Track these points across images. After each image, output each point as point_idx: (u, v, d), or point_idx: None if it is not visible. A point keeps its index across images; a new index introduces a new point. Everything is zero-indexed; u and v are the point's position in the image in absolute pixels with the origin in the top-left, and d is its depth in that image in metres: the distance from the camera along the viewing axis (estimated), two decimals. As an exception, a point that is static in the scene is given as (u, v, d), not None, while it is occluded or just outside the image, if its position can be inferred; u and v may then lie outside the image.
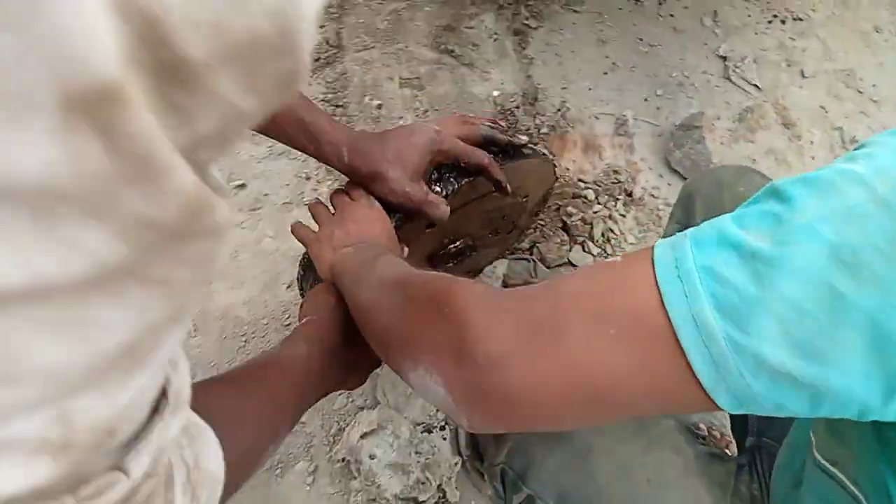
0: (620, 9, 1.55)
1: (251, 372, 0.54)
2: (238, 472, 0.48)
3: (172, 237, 0.20)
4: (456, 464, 0.96)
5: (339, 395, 1.04)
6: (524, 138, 0.83)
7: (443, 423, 0.99)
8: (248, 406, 0.52)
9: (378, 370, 1.04)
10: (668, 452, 0.56)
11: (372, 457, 0.96)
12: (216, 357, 1.06)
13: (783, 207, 0.33)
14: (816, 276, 0.30)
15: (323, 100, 1.35)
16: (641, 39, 1.50)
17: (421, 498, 0.93)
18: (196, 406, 0.40)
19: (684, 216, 0.83)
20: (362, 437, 0.97)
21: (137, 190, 0.18)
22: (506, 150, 0.81)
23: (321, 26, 1.47)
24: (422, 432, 0.98)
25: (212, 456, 0.44)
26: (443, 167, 0.77)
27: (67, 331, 0.19)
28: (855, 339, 0.30)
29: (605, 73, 1.44)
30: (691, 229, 0.36)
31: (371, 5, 1.53)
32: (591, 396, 0.36)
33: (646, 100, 1.40)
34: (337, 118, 1.34)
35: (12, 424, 0.20)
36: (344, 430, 1.00)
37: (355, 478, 0.96)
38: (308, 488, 0.97)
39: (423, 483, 0.94)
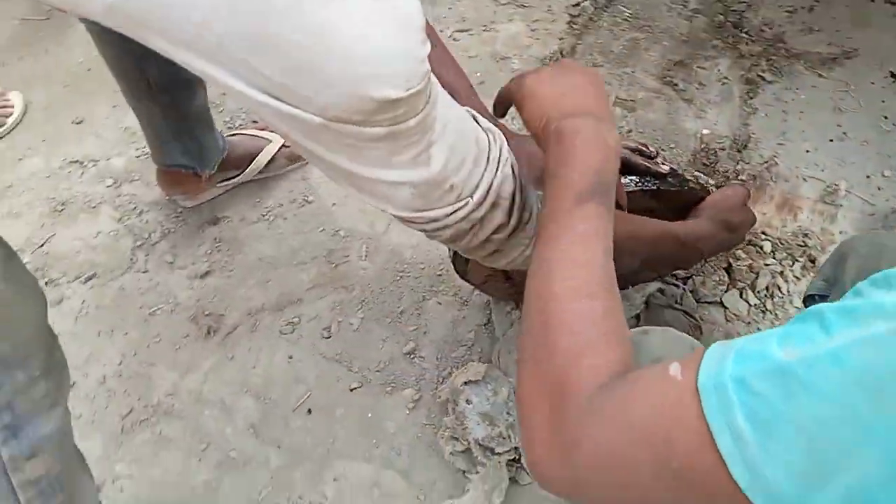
0: (873, 83, 1.45)
1: None
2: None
3: None
4: (540, 439, 1.00)
5: (461, 344, 1.13)
6: (666, 168, 0.87)
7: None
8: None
9: (500, 335, 1.12)
10: None
11: (468, 402, 1.04)
12: (374, 282, 1.22)
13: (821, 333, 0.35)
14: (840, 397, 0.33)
15: (539, 100, 1.47)
16: (886, 117, 1.40)
17: (498, 450, 0.99)
18: None
19: (833, 274, 0.80)
20: (465, 383, 1.05)
21: None
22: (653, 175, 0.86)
23: (559, 38, 1.59)
24: (519, 399, 1.04)
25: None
26: None
27: None
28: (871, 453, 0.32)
29: (831, 141, 1.36)
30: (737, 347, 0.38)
31: (614, 30, 1.62)
32: None
33: (868, 177, 1.30)
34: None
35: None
36: (451, 373, 1.09)
37: (448, 416, 1.04)
38: (407, 413, 1.07)
39: (504, 438, 0.99)
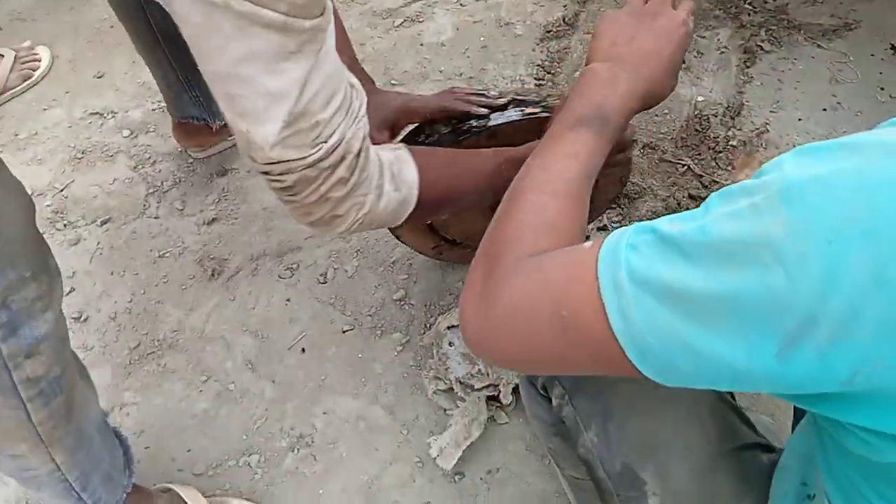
0: (872, 55, 1.47)
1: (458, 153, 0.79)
2: (430, 197, 0.73)
3: None
4: (516, 376, 1.06)
5: (448, 293, 1.19)
6: (504, 100, 0.89)
7: (520, 346, 1.09)
8: (443, 159, 0.77)
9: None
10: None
11: (451, 344, 1.10)
12: (370, 234, 1.27)
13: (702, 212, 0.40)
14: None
15: (539, 65, 1.51)
16: (882, 89, 1.41)
17: (477, 385, 1.05)
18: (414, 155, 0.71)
19: None
20: (449, 328, 1.12)
21: None
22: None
23: (563, 5, 1.62)
24: (499, 344, 1.10)
25: (409, 172, 0.71)
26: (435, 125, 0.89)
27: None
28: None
29: (825, 110, 1.38)
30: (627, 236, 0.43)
31: (619, 0, 1.64)
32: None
33: (859, 146, 1.32)
34: (544, 83, 1.48)
35: None
36: (436, 319, 1.15)
37: (432, 358, 1.11)
38: (395, 354, 1.14)
39: (482, 374, 1.05)
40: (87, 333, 1.17)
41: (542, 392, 0.70)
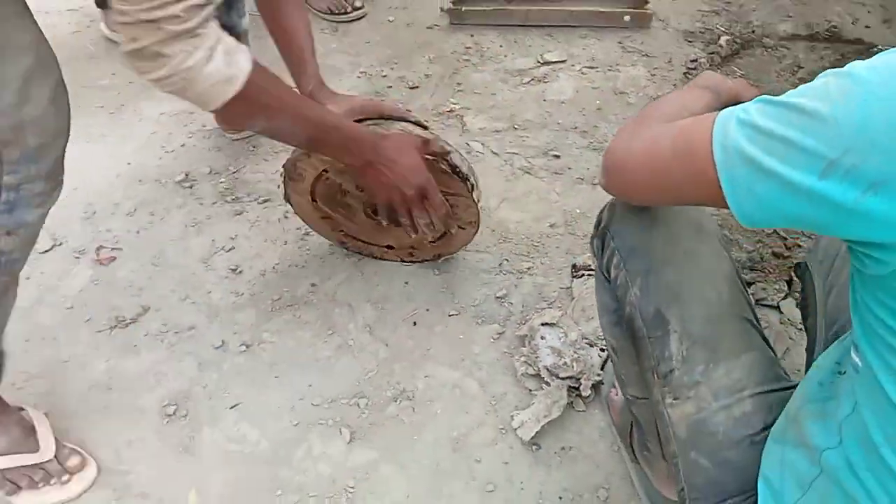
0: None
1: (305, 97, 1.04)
2: (251, 95, 0.86)
3: None
4: (598, 375, 1.21)
5: (544, 300, 1.36)
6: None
7: (602, 347, 1.24)
8: (283, 85, 0.97)
9: (576, 295, 1.33)
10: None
11: (543, 337, 1.26)
12: (482, 242, 1.47)
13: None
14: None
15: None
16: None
17: (561, 375, 1.20)
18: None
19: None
20: (542, 324, 1.28)
21: None
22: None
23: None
24: (585, 342, 1.25)
25: (244, 60, 0.85)
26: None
27: None
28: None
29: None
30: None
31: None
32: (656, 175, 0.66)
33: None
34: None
35: None
36: (532, 317, 1.32)
37: (524, 346, 1.27)
38: (491, 341, 1.31)
39: (567, 366, 1.20)
40: (239, 283, 1.41)
41: (605, 276, 0.86)
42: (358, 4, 2.03)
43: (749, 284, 1.36)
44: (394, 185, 1.10)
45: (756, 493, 0.70)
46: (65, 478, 1.12)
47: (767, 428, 0.72)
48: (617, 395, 1.17)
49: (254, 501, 1.11)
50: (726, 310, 0.77)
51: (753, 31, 2.00)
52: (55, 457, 1.12)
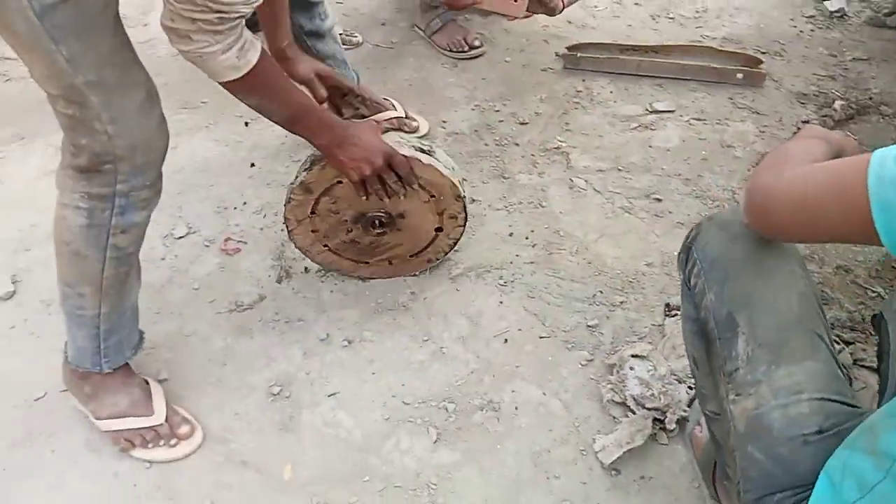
0: None
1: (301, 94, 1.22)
2: (251, 85, 1.08)
3: None
4: (684, 411, 1.22)
5: (635, 333, 1.39)
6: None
7: (690, 385, 1.26)
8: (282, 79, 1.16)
9: (668, 333, 1.36)
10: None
11: (631, 368, 1.29)
12: (577, 272, 1.52)
13: None
14: None
15: (751, 182, 1.72)
16: None
17: (648, 405, 1.22)
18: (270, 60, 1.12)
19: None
20: (632, 356, 1.31)
21: None
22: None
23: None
24: (673, 378, 1.27)
25: (253, 56, 1.05)
26: None
27: None
28: None
29: None
30: None
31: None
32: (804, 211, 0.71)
33: None
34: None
35: None
36: (622, 348, 1.35)
37: (612, 375, 1.30)
38: (579, 367, 1.35)
39: (655, 397, 1.23)
40: (348, 284, 1.51)
41: (688, 286, 0.93)
42: (476, 44, 2.16)
43: (848, 344, 1.35)
44: (362, 158, 1.25)
45: (805, 490, 0.75)
46: (173, 441, 1.24)
47: (822, 431, 0.77)
48: (701, 432, 1.18)
49: (343, 483, 1.19)
50: (795, 321, 0.82)
51: (871, 98, 1.98)
52: (167, 421, 1.24)
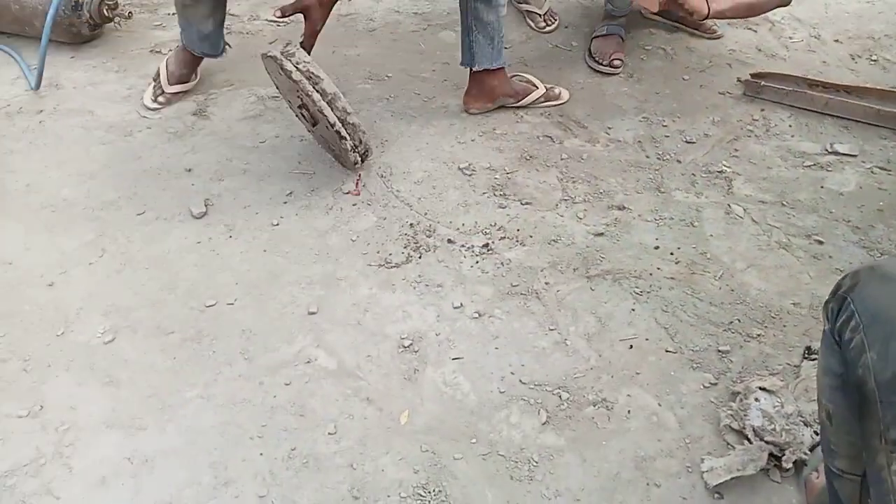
0: None
1: None
2: None
3: None
4: (805, 454, 1.19)
5: (766, 368, 1.36)
6: None
7: (816, 430, 1.21)
8: None
9: (804, 375, 1.31)
10: None
11: (757, 399, 1.27)
12: (717, 297, 1.50)
13: None
14: None
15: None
16: None
17: (767, 438, 1.20)
18: None
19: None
20: (760, 388, 1.28)
21: None
22: None
23: None
24: (800, 419, 1.23)
25: None
26: None
27: None
28: None
29: None
30: None
31: None
32: None
33: None
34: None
35: None
36: (748, 377, 1.32)
37: (734, 402, 1.28)
38: (701, 388, 1.34)
39: (776, 433, 1.20)
40: (488, 262, 1.60)
41: (836, 340, 0.87)
42: (616, 65, 2.14)
43: None
44: None
45: None
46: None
47: None
48: (818, 478, 1.14)
49: (452, 439, 1.27)
50: None
51: None
52: None
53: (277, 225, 1.70)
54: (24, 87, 2.20)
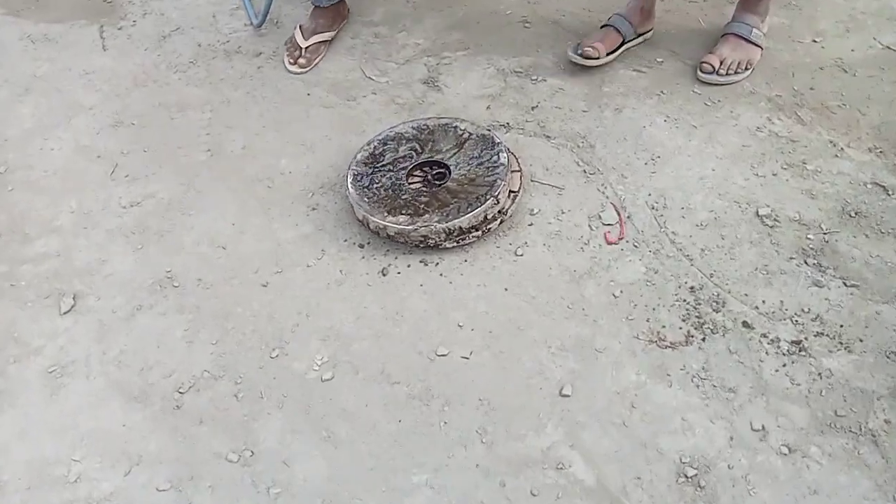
0: None
1: None
2: None
3: None
4: None
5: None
6: None
7: None
8: None
9: None
10: None
11: None
12: None
13: None
14: None
15: None
16: None
17: None
18: None
19: None
20: None
21: None
22: None
23: None
24: None
25: None
26: None
27: None
28: None
29: None
30: None
31: None
32: None
33: None
34: None
35: None
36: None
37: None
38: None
39: None
40: (798, 369, 1.22)
41: None
42: (592, 55, 1.57)
43: None
44: None
45: None
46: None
47: None
48: None
49: None
50: None
51: None
52: None
53: (522, 255, 1.39)
54: (243, 21, 1.98)
